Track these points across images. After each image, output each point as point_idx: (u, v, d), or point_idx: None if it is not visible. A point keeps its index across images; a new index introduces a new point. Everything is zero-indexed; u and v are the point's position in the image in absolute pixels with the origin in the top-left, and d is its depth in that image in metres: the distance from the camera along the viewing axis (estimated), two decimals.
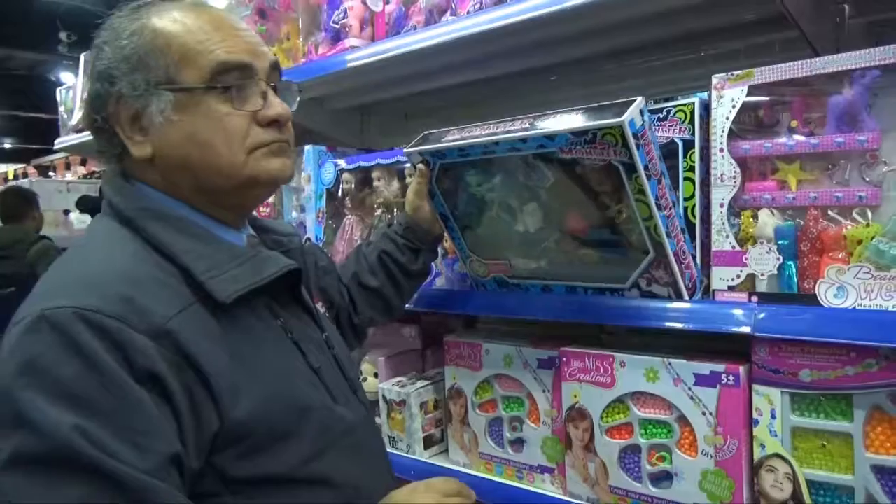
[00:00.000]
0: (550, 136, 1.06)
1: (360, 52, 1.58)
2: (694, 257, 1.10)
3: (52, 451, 0.71)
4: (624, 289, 1.16)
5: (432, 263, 1.39)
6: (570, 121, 1.04)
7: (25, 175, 8.28)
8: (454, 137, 1.20)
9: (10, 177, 9.15)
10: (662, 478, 1.12)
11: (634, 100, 0.99)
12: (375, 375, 1.65)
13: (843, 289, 0.95)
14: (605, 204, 1.09)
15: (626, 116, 0.96)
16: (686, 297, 1.09)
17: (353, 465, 0.93)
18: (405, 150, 1.30)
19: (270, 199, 1.88)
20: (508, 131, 1.12)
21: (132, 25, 0.90)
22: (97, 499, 0.71)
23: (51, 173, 8.01)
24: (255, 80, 0.92)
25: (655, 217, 1.03)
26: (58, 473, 0.71)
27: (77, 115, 3.05)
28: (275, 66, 0.96)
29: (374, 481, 0.97)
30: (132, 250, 0.86)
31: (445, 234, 1.37)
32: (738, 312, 1.02)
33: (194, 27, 0.90)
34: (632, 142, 0.97)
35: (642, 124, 0.98)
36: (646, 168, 1.00)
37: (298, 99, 1.02)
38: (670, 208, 1.05)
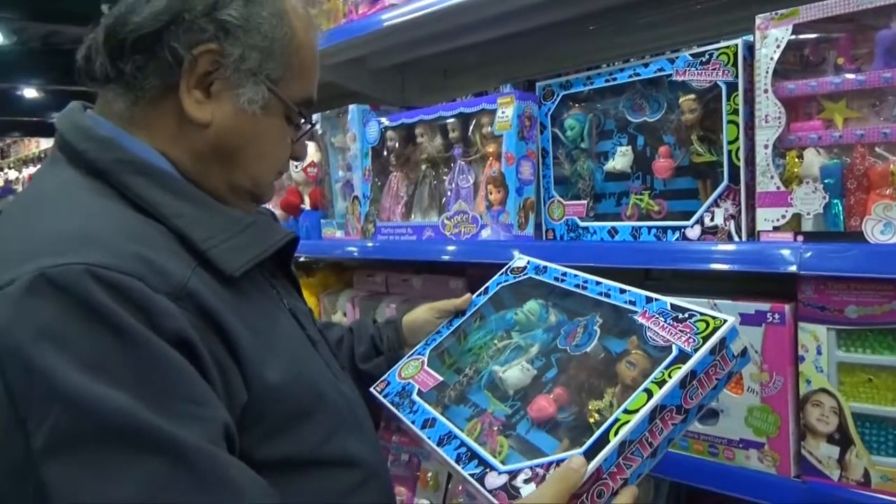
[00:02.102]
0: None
1: (399, 10, 1.60)
2: None
3: (102, 428, 0.61)
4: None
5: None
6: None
7: None
8: None
9: None
10: (708, 415, 1.15)
11: None
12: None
13: (890, 225, 0.95)
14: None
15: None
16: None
17: (359, 442, 0.91)
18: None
19: (317, 160, 1.93)
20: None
21: (273, 4, 0.84)
22: (161, 477, 0.62)
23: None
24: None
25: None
26: (112, 453, 0.62)
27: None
28: None
29: (377, 458, 0.96)
30: (115, 206, 0.76)
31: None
32: (783, 252, 1.03)
33: (314, 49, 0.90)
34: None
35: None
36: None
37: None
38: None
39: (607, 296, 1.01)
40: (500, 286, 1.19)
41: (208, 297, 0.73)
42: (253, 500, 0.68)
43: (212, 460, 0.65)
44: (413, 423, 1.00)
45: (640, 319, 0.93)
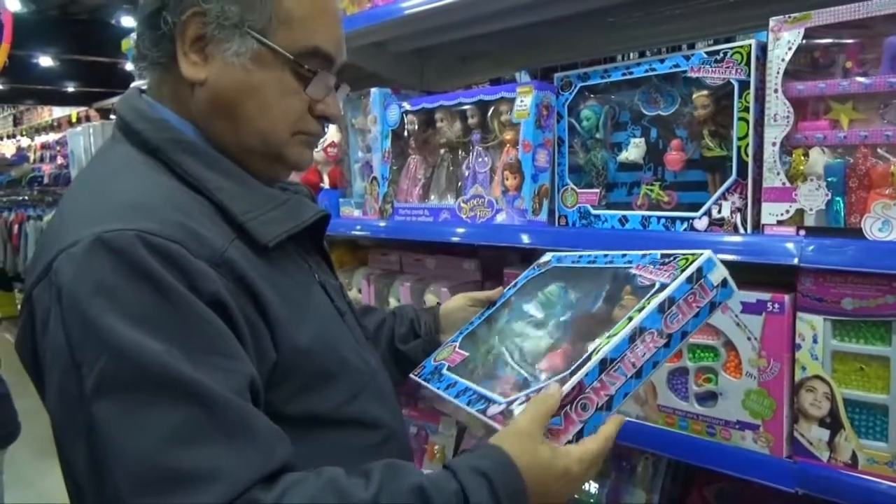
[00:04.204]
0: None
1: None
2: None
3: (143, 376, 0.69)
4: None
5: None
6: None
7: (88, 118, 8.58)
8: None
9: (74, 119, 9.50)
10: (708, 397, 1.22)
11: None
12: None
13: (888, 223, 1.01)
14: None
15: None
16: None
17: (380, 406, 0.98)
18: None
19: (337, 139, 1.99)
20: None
21: None
22: (192, 422, 0.70)
23: (112, 116, 8.28)
24: (329, 74, 0.94)
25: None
26: (150, 398, 0.69)
27: None
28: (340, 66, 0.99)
29: (397, 422, 1.03)
30: (165, 180, 0.84)
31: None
32: (786, 245, 1.08)
33: None
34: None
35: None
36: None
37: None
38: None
39: (612, 263, 1.11)
40: (527, 279, 1.28)
41: (244, 265, 0.81)
42: (270, 445, 0.75)
43: (234, 408, 0.73)
44: (437, 388, 1.10)
45: (634, 271, 1.02)
